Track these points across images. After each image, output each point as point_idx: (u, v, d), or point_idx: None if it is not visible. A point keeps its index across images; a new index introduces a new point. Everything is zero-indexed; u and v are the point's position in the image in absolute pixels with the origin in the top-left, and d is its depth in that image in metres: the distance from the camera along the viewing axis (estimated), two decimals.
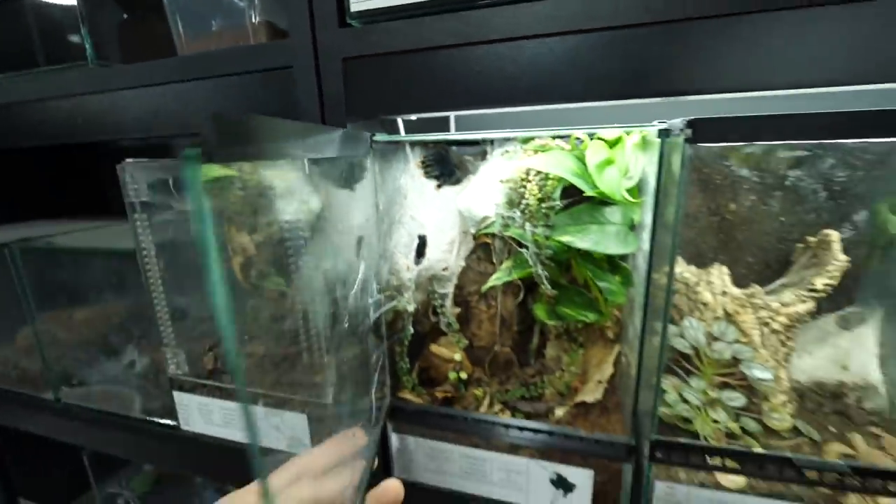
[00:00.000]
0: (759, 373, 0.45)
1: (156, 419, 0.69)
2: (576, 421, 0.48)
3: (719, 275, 0.52)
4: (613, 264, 0.46)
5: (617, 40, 0.34)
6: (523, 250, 0.46)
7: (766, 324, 0.49)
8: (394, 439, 0.50)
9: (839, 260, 0.48)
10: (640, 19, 0.33)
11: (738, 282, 0.52)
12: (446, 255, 0.53)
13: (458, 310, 0.54)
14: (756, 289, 0.50)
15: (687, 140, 0.35)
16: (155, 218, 0.59)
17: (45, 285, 0.79)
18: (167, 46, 0.51)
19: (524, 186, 0.47)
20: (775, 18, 0.31)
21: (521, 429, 0.46)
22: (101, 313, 0.82)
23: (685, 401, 0.47)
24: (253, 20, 0.48)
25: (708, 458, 0.40)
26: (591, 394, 0.49)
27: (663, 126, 0.35)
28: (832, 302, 0.53)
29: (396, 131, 0.54)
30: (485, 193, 0.51)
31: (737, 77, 0.33)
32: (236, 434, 0.60)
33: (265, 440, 0.59)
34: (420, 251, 0.52)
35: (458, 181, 0.56)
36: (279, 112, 0.45)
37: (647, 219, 0.41)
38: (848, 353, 0.51)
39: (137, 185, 0.56)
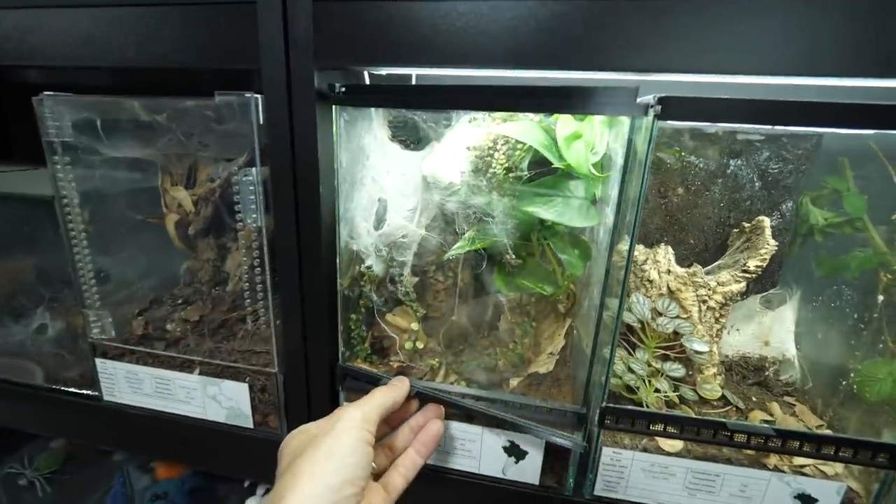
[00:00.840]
0: (697, 346, 0.48)
1: (72, 389, 0.62)
2: (529, 391, 0.50)
3: (665, 254, 0.55)
4: (573, 238, 0.47)
5: (596, 9, 0.34)
6: (488, 219, 0.45)
7: (704, 301, 0.53)
8: None
9: (770, 244, 0.52)
10: None
11: (680, 262, 0.55)
12: (407, 221, 0.52)
13: (415, 279, 0.53)
14: (697, 268, 0.53)
15: (656, 116, 0.36)
16: (78, 163, 0.52)
17: None
18: None
19: (491, 155, 0.47)
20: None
21: (476, 398, 0.46)
22: (3, 270, 0.72)
23: (631, 371, 0.49)
24: None
25: (651, 424, 0.42)
26: (544, 365, 0.51)
27: (647, 99, 0.36)
28: (759, 284, 0.58)
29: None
30: (451, 160, 0.50)
31: (702, 58, 0.34)
32: (170, 405, 0.56)
33: (202, 411, 0.55)
34: (380, 216, 0.50)
35: (422, 145, 0.55)
36: (237, 53, 0.41)
37: (610, 193, 0.42)
38: (769, 331, 0.57)
39: (59, 123, 0.49)
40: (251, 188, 0.45)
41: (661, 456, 0.44)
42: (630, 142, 0.37)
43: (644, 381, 0.49)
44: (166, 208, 0.61)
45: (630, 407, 0.45)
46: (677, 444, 0.45)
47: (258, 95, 0.43)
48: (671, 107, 0.35)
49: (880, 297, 0.48)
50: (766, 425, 0.41)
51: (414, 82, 0.59)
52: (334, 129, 0.43)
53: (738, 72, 0.34)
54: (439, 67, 0.38)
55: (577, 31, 0.35)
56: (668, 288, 0.52)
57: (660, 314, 0.51)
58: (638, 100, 0.36)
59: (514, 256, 0.45)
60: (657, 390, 0.49)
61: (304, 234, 0.44)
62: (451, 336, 0.56)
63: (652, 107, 0.36)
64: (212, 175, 0.60)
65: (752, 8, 0.32)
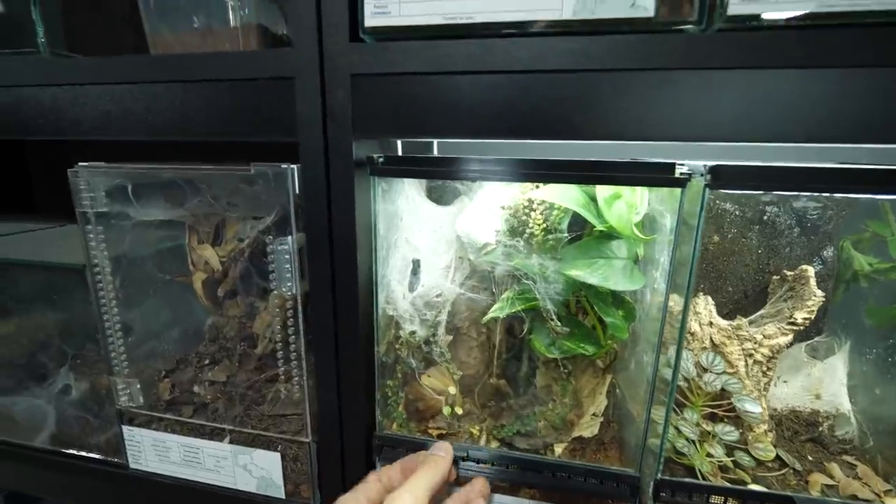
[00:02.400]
0: (749, 406, 0.46)
1: (97, 455, 0.61)
2: (574, 458, 0.47)
3: (705, 305, 0.53)
4: (617, 298, 0.46)
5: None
6: (529, 282, 0.44)
7: (751, 355, 0.51)
8: None
9: (817, 295, 0.50)
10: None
11: (720, 312, 0.54)
12: (441, 280, 0.51)
13: (449, 337, 0.51)
14: (742, 321, 0.51)
15: (707, 185, 0.35)
16: (110, 229, 0.52)
17: None
18: (140, 42, 0.46)
19: (527, 215, 0.46)
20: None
21: (522, 464, 0.44)
22: (26, 329, 0.72)
23: (679, 432, 0.47)
24: (243, 22, 0.43)
25: (711, 496, 0.40)
26: (588, 428, 0.49)
27: (685, 170, 0.35)
28: (804, 331, 0.56)
29: (392, 150, 0.51)
30: (485, 219, 0.49)
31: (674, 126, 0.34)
32: (198, 473, 0.54)
33: (232, 480, 0.53)
34: (415, 275, 0.50)
35: (452, 200, 0.54)
36: (272, 125, 0.41)
37: (657, 257, 0.41)
38: (820, 383, 0.54)
39: (93, 194, 0.49)
40: (286, 256, 0.44)
41: None
42: (681, 206, 0.36)
43: (695, 444, 0.47)
44: (193, 266, 0.61)
45: (687, 479, 0.42)
46: None
47: (294, 166, 0.43)
48: (721, 175, 0.34)
49: None
50: (836, 500, 0.39)
51: (436, 148, 0.60)
52: (372, 197, 0.42)
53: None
54: (472, 138, 0.38)
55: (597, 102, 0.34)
56: (712, 341, 0.51)
57: (705, 370, 0.49)
58: (685, 167, 0.35)
59: (559, 324, 0.44)
60: (709, 455, 0.46)
61: (340, 301, 0.43)
62: (488, 395, 0.55)
63: (703, 175, 0.35)
64: (239, 233, 0.59)
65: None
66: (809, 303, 0.50)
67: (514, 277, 0.47)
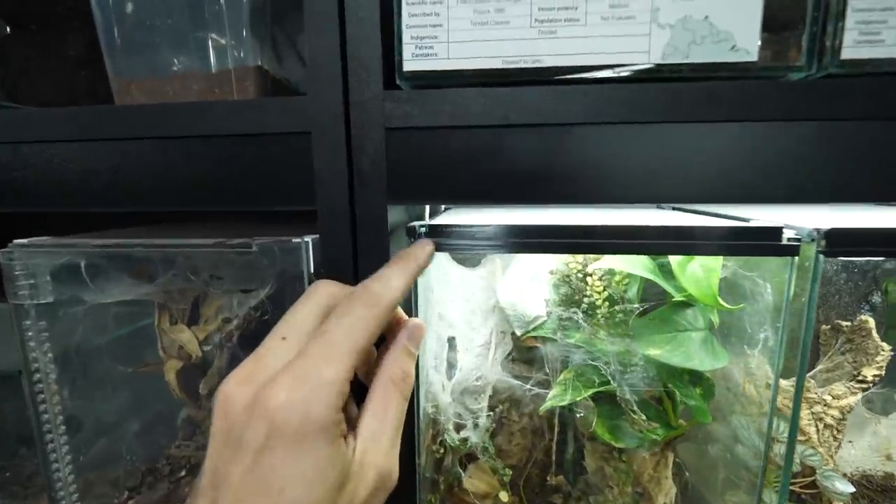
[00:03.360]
0: (840, 485, 0.41)
1: None
2: None
3: (759, 364, 0.48)
4: (696, 376, 0.39)
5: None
6: (601, 365, 0.37)
7: (821, 419, 0.46)
8: None
9: (885, 349, 0.46)
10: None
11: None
12: (480, 360, 0.43)
13: (492, 430, 0.43)
14: (809, 381, 0.46)
15: (820, 252, 0.30)
16: (55, 321, 0.41)
17: None
18: (100, 88, 0.36)
19: (584, 281, 0.40)
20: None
21: None
22: None
23: None
24: (237, 63, 0.35)
25: None
26: None
27: (793, 233, 0.30)
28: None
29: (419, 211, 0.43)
30: (530, 286, 0.42)
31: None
32: None
33: None
34: (451, 352, 0.42)
35: (478, 261, 0.47)
36: (280, 190, 0.33)
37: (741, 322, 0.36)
38: (889, 442, 0.50)
39: (34, 280, 0.38)
40: None
41: None
42: (790, 277, 0.31)
43: None
44: (164, 353, 0.50)
45: None
46: None
47: (309, 239, 0.34)
48: (837, 241, 0.29)
49: None
50: None
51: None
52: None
53: None
54: (545, 205, 0.31)
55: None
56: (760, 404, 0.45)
57: (774, 440, 0.44)
58: (793, 233, 0.30)
59: (642, 416, 0.37)
60: None
61: None
62: (533, 487, 0.46)
63: (815, 240, 0.30)
64: (223, 310, 0.49)
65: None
66: (879, 358, 0.46)
67: (570, 358, 0.40)
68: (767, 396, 0.39)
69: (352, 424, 0.25)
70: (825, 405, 0.46)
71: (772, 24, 0.28)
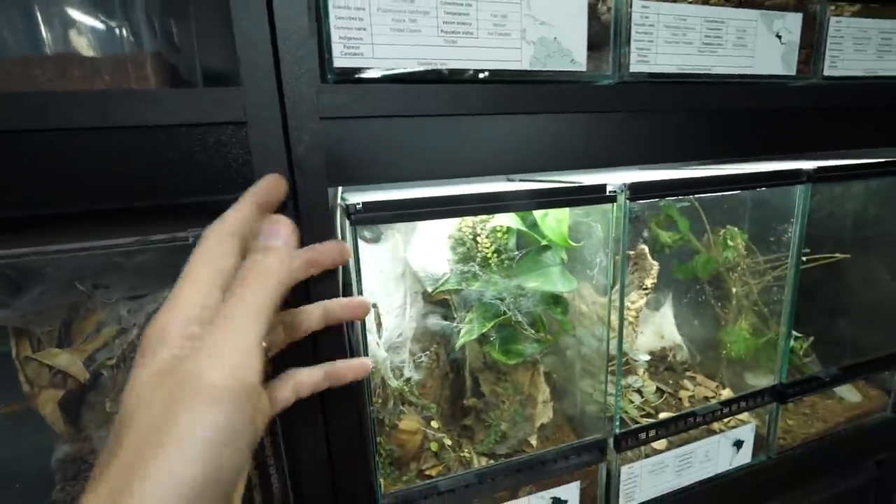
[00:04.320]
0: (642, 357, 0.61)
1: None
2: (545, 445, 0.54)
3: (587, 288, 0.67)
4: (556, 299, 0.53)
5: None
6: (496, 301, 0.48)
7: (627, 320, 0.66)
8: None
9: (655, 264, 0.69)
10: None
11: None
12: (398, 319, 0.50)
13: (419, 376, 0.51)
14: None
15: (628, 199, 0.45)
16: None
17: None
18: None
19: (475, 240, 0.50)
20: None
21: (519, 467, 0.48)
22: None
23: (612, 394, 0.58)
24: (132, 48, 0.33)
25: (649, 433, 0.52)
26: (545, 414, 0.56)
27: (612, 187, 0.45)
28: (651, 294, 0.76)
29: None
30: (435, 250, 0.50)
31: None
32: None
33: None
34: (378, 322, 0.47)
35: (380, 237, 0.53)
36: (214, 181, 0.33)
37: (585, 256, 0.51)
38: (661, 326, 0.75)
39: None
40: None
41: (657, 456, 0.54)
42: (624, 217, 0.46)
43: (622, 398, 0.59)
44: (30, 386, 0.42)
45: (635, 426, 0.53)
46: (664, 441, 0.56)
47: None
48: (638, 190, 0.45)
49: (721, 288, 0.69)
50: (713, 402, 0.56)
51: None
52: (354, 248, 0.39)
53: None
54: (451, 179, 0.40)
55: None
56: (598, 315, 0.64)
57: (600, 339, 0.62)
58: (612, 187, 0.45)
59: (532, 331, 0.49)
60: (631, 402, 0.59)
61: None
62: (460, 420, 0.56)
63: (622, 192, 0.45)
64: (107, 323, 0.44)
65: None
66: (652, 271, 0.69)
67: (472, 301, 0.50)
68: (603, 307, 0.56)
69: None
70: (627, 309, 0.66)
71: (593, 45, 0.41)
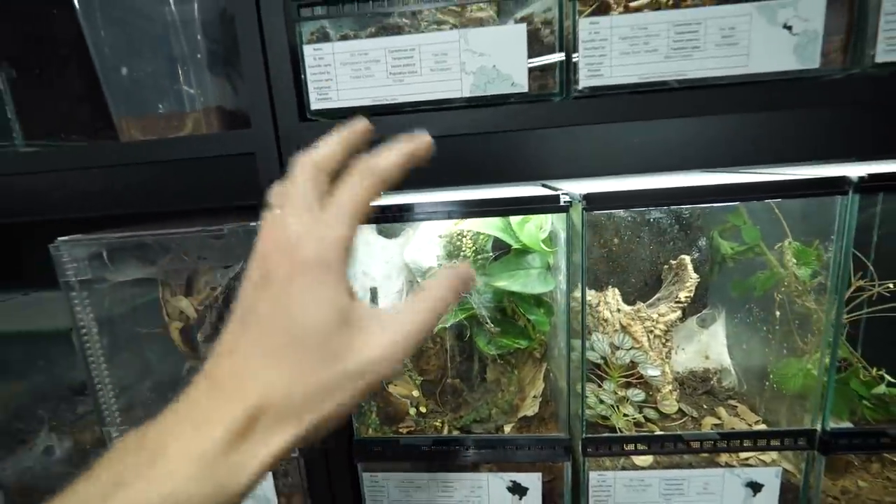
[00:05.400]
0: (651, 371, 0.59)
1: None
2: (521, 434, 0.58)
3: (613, 295, 0.66)
4: (538, 300, 0.57)
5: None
6: (465, 295, 0.54)
7: (651, 331, 0.64)
8: (366, 478, 0.55)
9: (693, 277, 0.64)
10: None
11: (627, 300, 0.67)
12: (396, 302, 0.60)
13: None
14: (640, 305, 0.64)
15: (584, 208, 0.47)
16: (92, 293, 0.58)
17: None
18: (98, 118, 0.53)
19: (460, 241, 0.57)
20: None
21: (479, 443, 0.54)
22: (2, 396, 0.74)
23: (602, 402, 0.58)
24: (204, 105, 0.51)
25: (624, 445, 0.51)
26: (530, 408, 0.59)
27: (567, 198, 0.47)
28: (693, 307, 0.69)
29: None
30: (427, 248, 0.59)
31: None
32: None
33: None
34: (374, 301, 0.59)
35: (398, 234, 0.64)
36: (239, 191, 0.49)
37: (560, 262, 0.53)
38: (707, 346, 0.68)
39: (76, 264, 0.55)
40: None
41: (637, 472, 0.53)
42: (568, 225, 0.48)
43: (614, 408, 0.58)
44: (168, 318, 0.67)
45: (605, 434, 0.54)
46: (648, 459, 0.54)
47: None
48: (593, 200, 0.46)
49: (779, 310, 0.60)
50: (712, 430, 0.51)
51: None
52: None
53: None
54: (408, 191, 0.48)
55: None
56: (621, 324, 0.63)
57: (617, 348, 0.61)
58: (567, 196, 0.47)
59: (492, 325, 0.55)
60: (625, 415, 0.58)
61: None
62: (447, 394, 0.64)
63: (580, 202, 0.47)
64: (210, 282, 0.66)
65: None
66: (688, 283, 0.64)
67: None
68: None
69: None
70: (654, 321, 0.64)
71: (538, 67, 0.44)
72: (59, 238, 0.55)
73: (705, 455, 0.53)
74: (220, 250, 0.61)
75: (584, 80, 0.44)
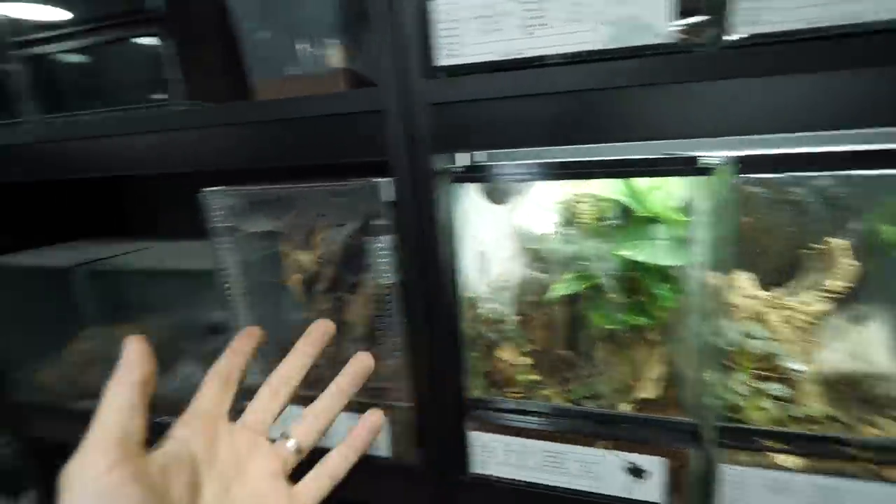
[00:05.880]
0: (793, 365, 0.52)
1: None
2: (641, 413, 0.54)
3: (745, 279, 0.59)
4: (664, 274, 0.52)
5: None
6: (586, 263, 0.52)
7: (790, 321, 0.56)
8: (474, 437, 0.55)
9: (851, 264, 0.55)
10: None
11: (764, 284, 0.59)
12: (506, 268, 0.60)
13: (519, 317, 0.60)
14: (779, 291, 0.57)
15: (734, 173, 0.42)
16: (233, 240, 0.65)
17: (104, 306, 0.84)
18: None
19: (578, 207, 0.54)
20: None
21: (597, 418, 0.52)
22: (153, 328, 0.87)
23: (733, 391, 0.53)
24: (335, 67, 0.54)
25: (765, 440, 0.46)
26: (649, 390, 0.56)
27: (719, 160, 0.42)
28: (843, 301, 0.60)
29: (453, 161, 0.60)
30: (539, 213, 0.57)
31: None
32: None
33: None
34: (484, 266, 0.58)
35: (507, 200, 0.63)
36: (366, 148, 0.51)
37: (696, 234, 0.48)
38: (863, 346, 0.58)
39: (221, 211, 0.61)
40: (384, 252, 0.54)
41: (781, 472, 0.47)
42: (721, 192, 0.43)
43: (748, 399, 0.53)
44: (289, 270, 0.73)
45: (750, 426, 0.48)
46: (796, 461, 0.47)
47: (383, 180, 0.53)
48: (748, 163, 0.41)
49: None
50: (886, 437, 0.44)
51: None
52: (450, 201, 0.51)
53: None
54: (527, 147, 0.47)
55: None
56: (754, 311, 0.56)
57: (751, 336, 0.55)
58: (718, 158, 0.42)
59: (620, 296, 0.52)
60: (761, 408, 0.52)
61: (430, 286, 0.52)
62: (555, 367, 0.62)
63: (727, 164, 0.42)
64: (326, 238, 0.71)
65: None
66: (843, 272, 0.55)
67: (570, 261, 0.55)
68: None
69: None
70: (794, 310, 0.56)
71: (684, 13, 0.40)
72: (206, 189, 0.62)
73: (872, 467, 0.46)
74: (338, 208, 0.65)
75: (743, 27, 0.39)
